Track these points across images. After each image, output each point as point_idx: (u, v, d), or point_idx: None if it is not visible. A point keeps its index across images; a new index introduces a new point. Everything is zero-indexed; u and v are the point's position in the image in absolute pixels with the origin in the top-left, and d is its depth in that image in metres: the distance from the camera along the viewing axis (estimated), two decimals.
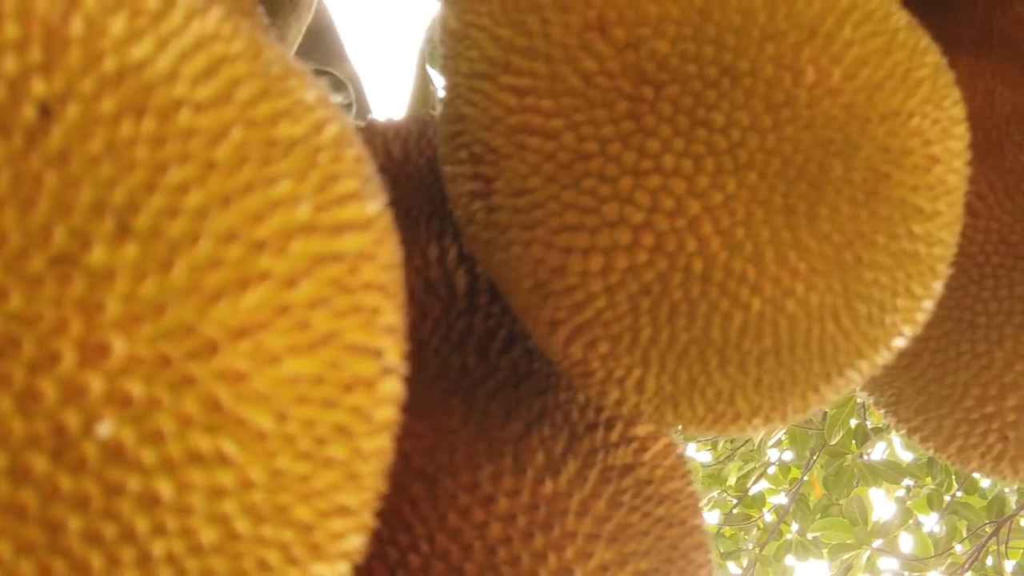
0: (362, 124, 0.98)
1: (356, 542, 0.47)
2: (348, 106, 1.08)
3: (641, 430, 0.82)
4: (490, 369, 0.79)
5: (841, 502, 4.85)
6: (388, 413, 0.47)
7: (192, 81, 0.42)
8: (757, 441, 5.02)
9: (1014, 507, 4.46)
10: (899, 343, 0.70)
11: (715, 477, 5.63)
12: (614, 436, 0.80)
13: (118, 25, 0.41)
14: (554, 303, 0.66)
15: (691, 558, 0.80)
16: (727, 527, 5.63)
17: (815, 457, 5.00)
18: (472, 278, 0.82)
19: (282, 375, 0.41)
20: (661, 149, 0.63)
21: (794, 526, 5.46)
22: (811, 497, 5.42)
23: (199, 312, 0.39)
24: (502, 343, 0.80)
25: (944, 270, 0.70)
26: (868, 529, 4.53)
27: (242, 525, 0.41)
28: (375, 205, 0.47)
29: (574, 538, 0.73)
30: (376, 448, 0.46)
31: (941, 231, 0.68)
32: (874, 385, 1.07)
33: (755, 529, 5.66)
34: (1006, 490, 4.78)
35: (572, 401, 0.80)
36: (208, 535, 0.41)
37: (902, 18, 0.68)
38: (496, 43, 0.68)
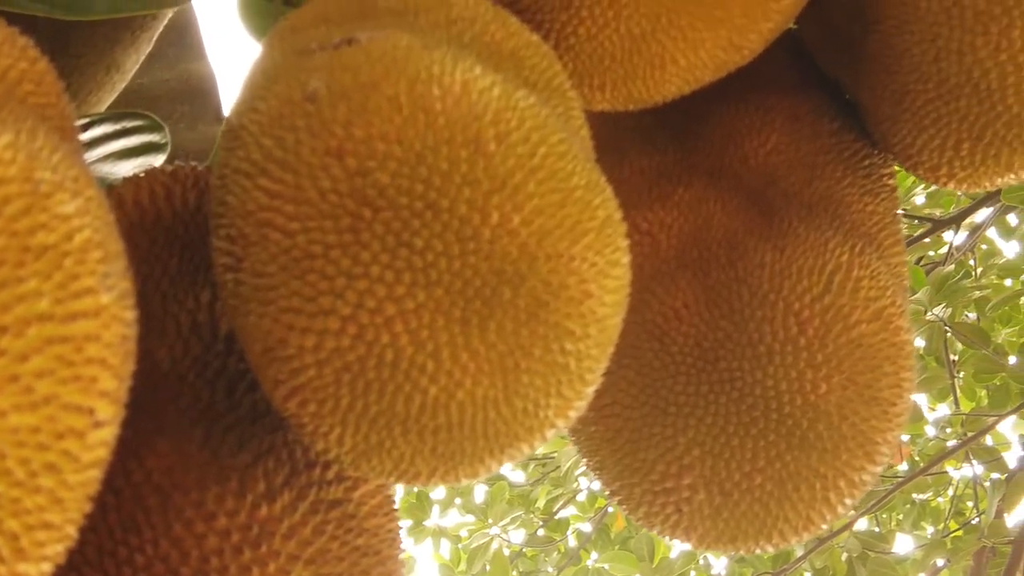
0: (169, 169, 1.09)
1: (58, 548, 0.60)
2: (163, 145, 1.19)
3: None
4: (233, 405, 0.89)
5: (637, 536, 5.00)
6: (96, 455, 0.60)
7: None
8: (565, 468, 5.13)
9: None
10: (551, 432, 0.84)
11: (524, 498, 5.69)
12: (330, 475, 0.90)
13: None
14: (277, 367, 0.76)
15: None
16: (529, 548, 5.72)
17: None
18: None
19: (6, 425, 0.54)
20: (371, 260, 0.73)
21: (595, 554, 5.58)
22: (613, 528, 5.56)
23: None
24: (248, 384, 0.90)
25: (594, 379, 0.81)
26: (653, 566, 4.69)
27: None
28: (109, 296, 0.60)
29: (277, 556, 0.84)
30: (82, 480, 0.60)
31: (591, 349, 0.79)
32: (584, 451, 1.22)
33: (556, 553, 5.75)
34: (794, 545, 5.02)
35: (297, 442, 0.89)
36: None
37: (584, 178, 0.79)
38: (259, 149, 0.78)
